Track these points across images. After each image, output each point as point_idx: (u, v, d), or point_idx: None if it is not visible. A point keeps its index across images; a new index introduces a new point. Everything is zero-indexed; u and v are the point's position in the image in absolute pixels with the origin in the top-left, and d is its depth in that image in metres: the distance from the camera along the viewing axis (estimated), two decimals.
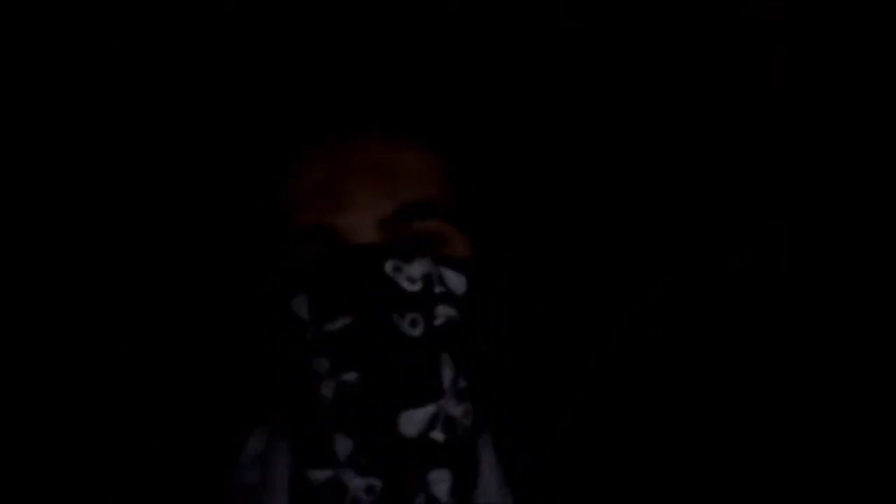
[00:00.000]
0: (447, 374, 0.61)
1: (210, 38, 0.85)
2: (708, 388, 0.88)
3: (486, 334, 0.64)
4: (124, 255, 0.87)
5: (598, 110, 0.89)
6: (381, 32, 0.84)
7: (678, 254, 0.89)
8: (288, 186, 0.65)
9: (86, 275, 0.86)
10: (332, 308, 0.60)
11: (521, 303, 0.74)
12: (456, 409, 0.61)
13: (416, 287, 0.61)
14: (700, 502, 0.86)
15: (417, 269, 0.61)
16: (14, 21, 0.86)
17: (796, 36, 0.88)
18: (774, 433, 0.86)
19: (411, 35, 0.84)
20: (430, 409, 0.60)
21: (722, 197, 0.89)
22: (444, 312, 0.62)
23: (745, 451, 0.87)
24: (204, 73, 0.85)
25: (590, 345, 0.89)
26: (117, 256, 0.87)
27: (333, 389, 0.59)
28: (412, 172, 0.65)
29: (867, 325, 0.86)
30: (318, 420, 0.60)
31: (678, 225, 0.89)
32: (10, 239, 0.85)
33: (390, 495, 0.58)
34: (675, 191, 0.89)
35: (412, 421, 0.59)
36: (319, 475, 0.59)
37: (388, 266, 0.61)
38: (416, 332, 0.60)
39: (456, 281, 0.63)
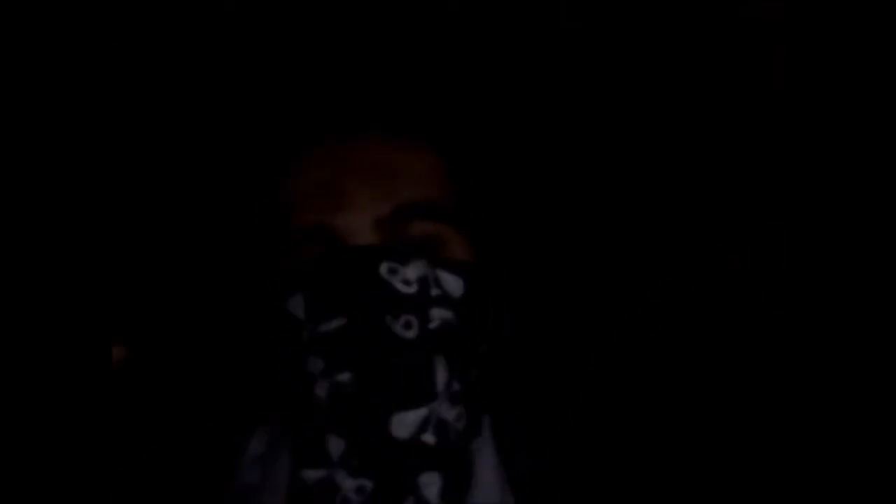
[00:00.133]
0: (441, 376, 0.61)
1: (210, 38, 0.85)
2: (708, 388, 0.88)
3: (484, 336, 0.64)
4: (125, 255, 0.87)
5: (598, 110, 0.89)
6: (382, 33, 0.84)
7: (678, 254, 0.89)
8: (288, 187, 0.65)
9: (85, 275, 0.86)
10: (327, 309, 0.60)
11: (520, 304, 0.74)
12: (449, 413, 0.61)
13: (412, 289, 0.61)
14: (700, 502, 0.86)
15: (413, 271, 0.61)
16: (14, 21, 0.86)
17: (796, 36, 0.88)
18: (774, 433, 0.86)
19: (411, 35, 0.84)
20: (422, 412, 0.60)
21: (722, 197, 0.89)
22: (439, 315, 0.61)
23: (744, 451, 0.87)
24: (204, 73, 0.85)
25: (590, 345, 0.89)
26: (117, 257, 0.87)
27: (327, 389, 0.60)
28: (412, 173, 0.65)
29: (867, 325, 0.86)
30: (313, 420, 0.60)
31: (678, 225, 0.89)
32: (9, 239, 0.85)
33: (380, 496, 0.59)
34: (675, 191, 0.89)
35: (404, 423, 0.59)
36: (313, 475, 0.59)
37: (384, 268, 0.61)
38: (410, 334, 0.60)
39: (453, 283, 0.63)
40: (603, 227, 0.89)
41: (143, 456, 0.81)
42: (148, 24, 0.86)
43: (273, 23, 0.85)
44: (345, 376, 0.59)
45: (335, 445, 0.59)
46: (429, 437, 0.60)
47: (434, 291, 0.62)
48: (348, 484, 0.59)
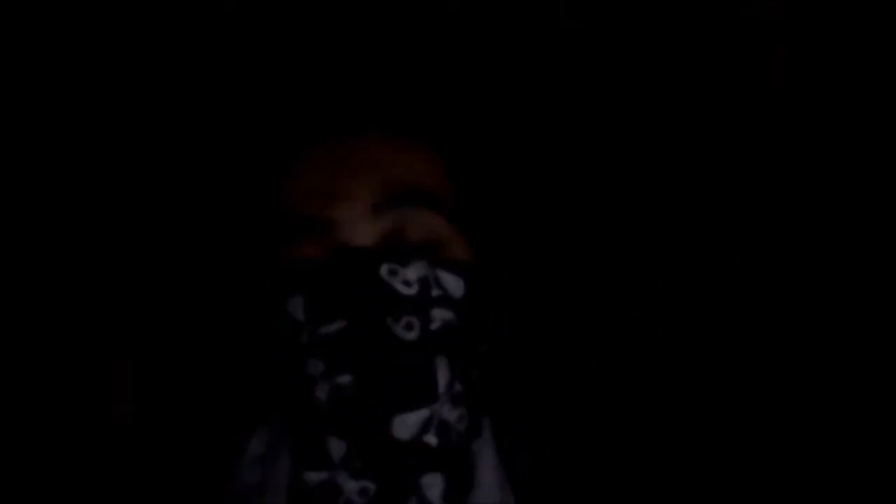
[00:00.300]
0: (442, 377, 0.61)
1: (210, 38, 0.85)
2: (707, 388, 0.88)
3: (484, 336, 0.64)
4: (126, 256, 0.87)
5: (598, 110, 0.89)
6: (381, 33, 0.84)
7: (678, 254, 0.89)
8: (288, 186, 0.65)
9: (85, 276, 0.86)
10: (327, 311, 0.60)
11: (520, 304, 0.74)
12: (451, 414, 0.60)
13: (412, 290, 0.61)
14: (700, 502, 0.86)
15: (413, 272, 0.61)
16: (14, 21, 0.86)
17: (796, 36, 0.88)
18: (774, 433, 0.86)
19: (411, 35, 0.84)
20: (423, 413, 0.60)
21: (722, 197, 0.89)
22: (440, 316, 0.61)
23: (744, 451, 0.87)
24: (205, 73, 0.85)
25: (590, 344, 0.89)
26: (119, 257, 0.87)
27: (328, 392, 0.59)
28: (411, 168, 0.65)
29: (867, 325, 0.86)
30: (314, 422, 0.60)
31: (678, 225, 0.89)
32: (9, 238, 0.85)
33: (383, 498, 0.58)
34: (675, 191, 0.89)
35: (405, 424, 0.59)
36: (314, 477, 0.59)
37: (384, 269, 0.61)
38: (411, 335, 0.60)
39: (453, 284, 0.63)
40: (603, 227, 0.89)
41: (143, 456, 0.81)
42: (148, 24, 0.86)
43: (273, 24, 0.85)
44: (345, 378, 0.59)
45: (336, 447, 0.59)
46: (431, 438, 0.60)
47: (435, 292, 0.62)
48: (351, 486, 0.59)
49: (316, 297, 0.61)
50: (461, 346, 0.62)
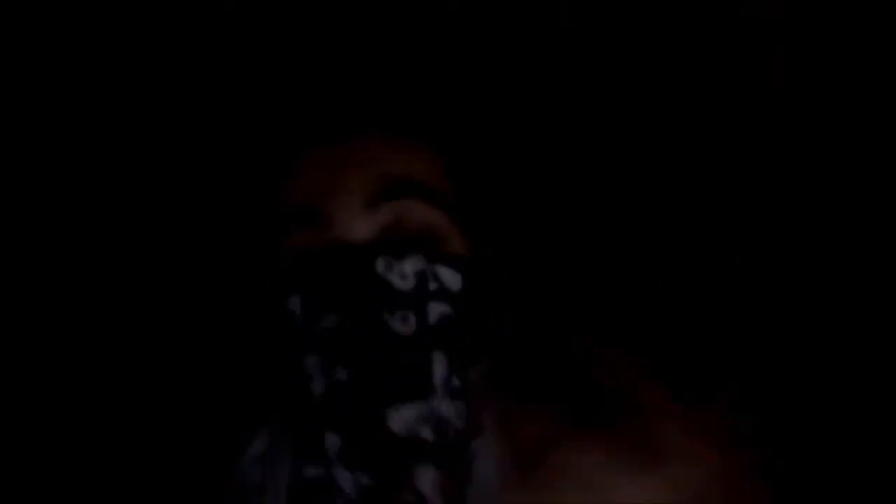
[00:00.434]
0: (439, 372, 0.61)
1: (215, 37, 0.85)
2: (707, 388, 0.88)
3: (482, 331, 0.64)
4: (126, 254, 0.87)
5: (598, 110, 0.89)
6: (381, 33, 0.84)
7: (678, 254, 0.89)
8: (288, 186, 0.66)
9: (85, 275, 0.86)
10: (323, 306, 0.61)
11: (519, 300, 0.74)
12: (448, 409, 0.61)
13: (409, 284, 0.61)
14: None
15: (410, 266, 0.62)
16: (14, 21, 0.86)
17: (796, 36, 0.88)
18: (774, 433, 0.86)
19: (410, 35, 0.84)
20: (419, 407, 0.60)
21: (722, 197, 0.89)
22: (437, 310, 0.62)
23: (744, 451, 0.86)
24: (207, 72, 0.85)
25: (589, 344, 0.89)
26: (119, 256, 0.87)
27: (324, 386, 0.60)
28: (409, 164, 0.65)
29: (867, 325, 0.86)
30: (310, 417, 0.60)
31: (678, 225, 0.89)
32: (8, 238, 0.85)
33: (378, 492, 0.59)
34: (674, 191, 0.89)
35: (401, 418, 0.59)
36: (311, 471, 0.59)
37: (380, 264, 0.61)
38: (407, 329, 0.60)
39: (451, 278, 0.63)
40: (603, 226, 0.89)
41: (143, 456, 0.81)
42: (148, 24, 0.86)
43: (274, 25, 0.85)
44: (341, 373, 0.59)
45: (332, 442, 0.59)
46: (426, 433, 0.60)
47: (432, 286, 0.62)
48: (346, 480, 0.59)
49: (312, 291, 0.61)
50: (459, 340, 0.62)
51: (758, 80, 0.89)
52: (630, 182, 0.89)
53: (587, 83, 0.89)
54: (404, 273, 0.61)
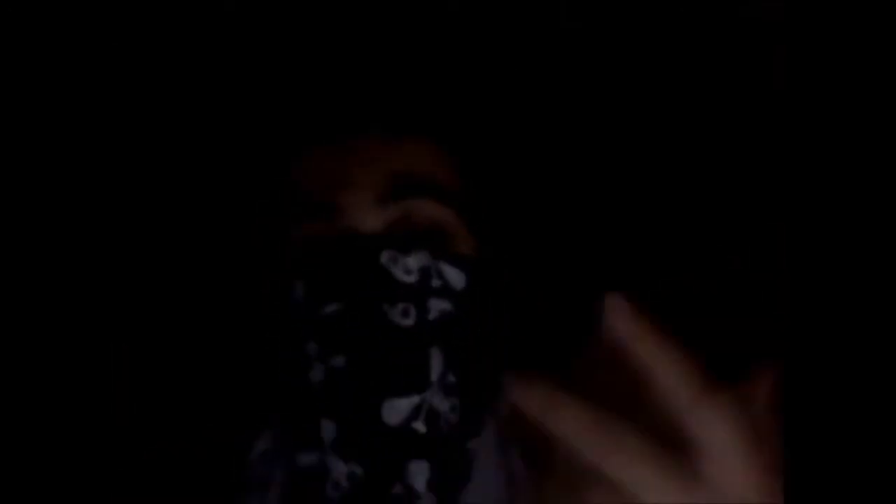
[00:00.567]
0: (436, 367, 0.61)
1: (223, 39, 0.85)
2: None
3: (483, 331, 0.64)
4: (126, 254, 0.87)
5: (597, 111, 0.89)
6: (388, 32, 0.84)
7: (678, 254, 0.89)
8: (300, 178, 0.66)
9: (85, 272, 0.86)
10: (326, 293, 0.61)
11: (520, 301, 0.74)
12: (442, 403, 0.61)
13: (412, 278, 0.62)
14: None
15: (415, 260, 0.62)
16: (14, 21, 0.86)
17: (796, 36, 0.88)
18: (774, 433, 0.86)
19: (421, 37, 0.84)
20: (414, 400, 0.60)
21: (722, 197, 0.89)
22: (438, 306, 0.62)
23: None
24: (216, 69, 0.85)
25: (589, 344, 0.89)
26: (119, 255, 0.87)
27: (322, 373, 0.60)
28: (420, 162, 0.66)
29: (867, 325, 0.86)
30: (308, 404, 0.60)
31: (678, 225, 0.89)
32: (8, 237, 0.85)
33: (369, 483, 0.59)
34: (675, 191, 0.89)
35: (395, 409, 0.59)
36: (306, 459, 0.60)
37: (385, 256, 0.62)
38: (407, 322, 0.61)
39: (454, 276, 0.63)
40: (603, 226, 0.89)
41: (144, 456, 0.81)
42: (151, 24, 0.86)
43: (280, 25, 0.85)
44: (339, 360, 0.60)
45: (328, 430, 0.59)
46: (419, 425, 0.60)
47: (435, 282, 0.62)
48: (339, 469, 0.59)
49: (316, 278, 0.61)
50: (457, 338, 0.62)
51: (758, 80, 0.89)
52: (630, 181, 0.89)
53: (586, 83, 0.89)
54: (408, 267, 0.62)
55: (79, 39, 0.86)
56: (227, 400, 0.78)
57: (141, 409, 0.84)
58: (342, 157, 0.66)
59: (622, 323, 0.45)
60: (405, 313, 0.61)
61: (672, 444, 0.46)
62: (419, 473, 0.60)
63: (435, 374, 0.61)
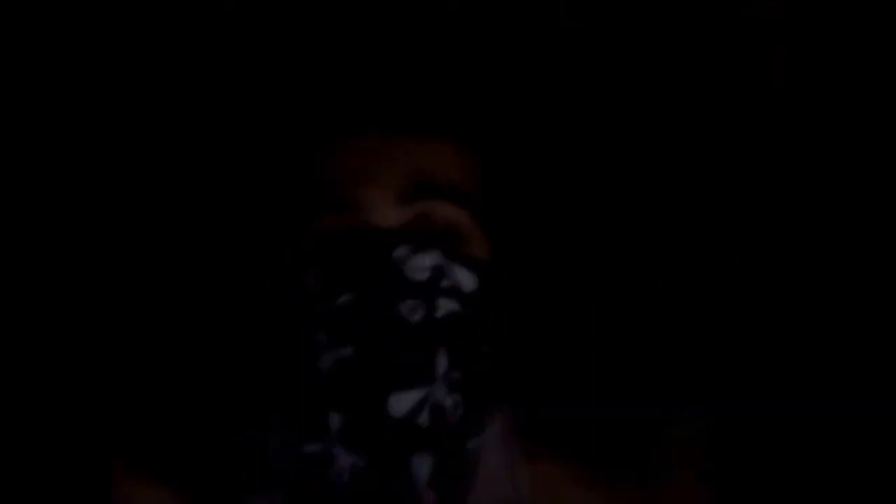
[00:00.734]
0: (441, 363, 0.62)
1: (242, 28, 0.85)
2: (706, 388, 0.88)
3: (488, 334, 0.65)
4: (126, 254, 0.87)
5: (597, 111, 0.89)
6: (419, 36, 0.84)
7: (678, 254, 0.89)
8: (321, 173, 0.67)
9: (85, 271, 0.86)
10: (338, 285, 0.62)
11: (524, 307, 0.74)
12: (446, 399, 0.62)
13: (423, 276, 0.62)
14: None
15: (427, 259, 0.63)
16: (14, 21, 0.86)
17: (796, 36, 0.88)
18: (773, 433, 0.86)
19: (447, 39, 0.84)
20: (418, 394, 0.61)
21: (722, 197, 0.89)
22: (446, 306, 0.63)
23: (744, 450, 0.87)
24: (234, 64, 0.85)
25: (590, 346, 0.89)
26: (119, 255, 0.87)
27: (330, 363, 0.60)
28: (441, 163, 0.67)
29: (867, 325, 0.86)
30: (315, 394, 0.61)
31: (678, 225, 0.89)
32: (8, 237, 0.85)
33: (372, 474, 0.59)
34: (675, 191, 0.89)
35: (400, 402, 0.60)
36: (311, 448, 0.60)
37: (398, 252, 0.62)
38: (415, 318, 0.61)
39: (465, 278, 0.64)
40: (602, 226, 0.89)
41: (144, 456, 0.81)
42: (173, 23, 0.86)
43: (314, 22, 0.85)
44: (347, 351, 0.60)
45: (334, 420, 0.60)
46: (423, 419, 0.60)
47: (445, 282, 0.63)
48: (343, 459, 0.60)
49: (331, 269, 0.62)
50: (463, 338, 0.62)
51: (758, 80, 0.89)
52: (629, 181, 0.89)
53: (586, 84, 0.89)
54: (421, 265, 0.63)
55: (89, 39, 0.86)
56: (225, 400, 0.78)
57: (140, 409, 0.84)
58: (366, 155, 0.66)
59: None
60: (414, 309, 0.62)
61: None
62: (422, 466, 0.61)
63: (440, 370, 0.62)
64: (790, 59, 0.88)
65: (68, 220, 0.87)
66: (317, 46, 0.83)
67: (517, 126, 0.85)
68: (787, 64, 0.89)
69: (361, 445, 0.60)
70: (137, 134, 0.87)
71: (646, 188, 0.89)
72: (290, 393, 0.63)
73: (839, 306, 0.87)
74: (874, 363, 0.85)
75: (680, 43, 0.89)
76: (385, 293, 0.61)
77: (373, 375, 0.60)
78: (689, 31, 0.89)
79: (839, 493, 0.84)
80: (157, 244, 0.86)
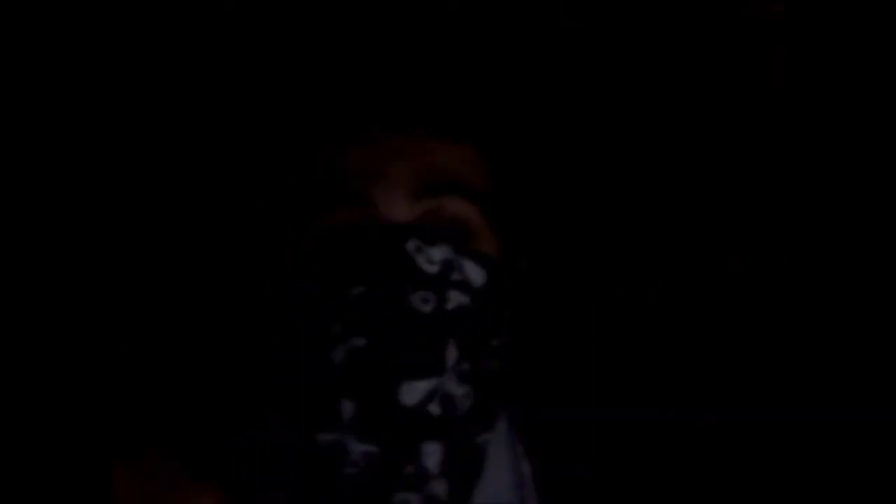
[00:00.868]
0: (451, 354, 0.63)
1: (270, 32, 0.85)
2: (706, 388, 0.88)
3: (496, 329, 0.66)
4: (126, 254, 0.87)
5: (597, 111, 0.89)
6: (427, 35, 0.84)
7: (678, 254, 0.89)
8: (334, 168, 0.68)
9: (85, 271, 0.86)
10: (351, 276, 0.63)
11: (525, 306, 0.74)
12: (456, 389, 0.63)
13: (434, 269, 0.64)
14: (703, 500, 0.86)
15: (438, 252, 0.64)
16: (14, 20, 0.86)
17: (796, 36, 0.88)
18: (773, 433, 0.86)
19: (462, 41, 0.84)
20: (430, 383, 0.62)
21: (722, 197, 0.89)
22: (456, 299, 0.64)
23: (744, 450, 0.87)
24: (247, 60, 0.85)
25: (591, 345, 0.89)
26: (119, 256, 0.87)
27: (343, 353, 0.62)
28: (454, 161, 0.68)
29: (867, 325, 0.86)
30: (328, 383, 0.62)
31: (679, 225, 0.89)
32: (9, 237, 0.85)
33: (384, 463, 0.60)
34: (675, 191, 0.90)
35: (412, 391, 0.61)
36: (325, 437, 0.61)
37: (411, 244, 0.64)
38: (426, 309, 0.63)
39: (475, 273, 0.65)
40: (602, 226, 0.89)
41: (144, 455, 0.81)
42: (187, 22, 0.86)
43: (333, 20, 0.85)
44: (360, 341, 0.61)
45: (347, 409, 0.61)
46: (434, 408, 0.62)
47: (455, 276, 0.65)
48: (356, 448, 0.61)
49: (345, 261, 0.63)
50: (473, 331, 0.64)
51: (758, 80, 0.89)
52: (629, 181, 0.90)
53: (585, 84, 0.89)
54: (432, 258, 0.64)
55: (93, 39, 0.86)
56: (225, 400, 0.78)
57: (140, 409, 0.84)
58: (380, 152, 0.68)
59: None
60: (425, 301, 0.63)
61: None
62: (432, 455, 0.62)
63: (450, 362, 0.63)
64: (790, 59, 0.89)
65: (68, 219, 0.87)
66: (327, 46, 0.83)
67: (522, 127, 0.85)
68: (787, 64, 0.89)
69: (373, 434, 0.60)
70: (137, 134, 0.87)
71: (646, 188, 0.90)
72: (299, 385, 0.64)
73: (839, 306, 0.87)
74: (874, 363, 0.85)
75: (680, 43, 0.89)
76: (397, 284, 0.63)
77: (385, 365, 0.61)
78: (690, 31, 0.89)
79: (839, 493, 0.84)
80: (157, 244, 0.87)
